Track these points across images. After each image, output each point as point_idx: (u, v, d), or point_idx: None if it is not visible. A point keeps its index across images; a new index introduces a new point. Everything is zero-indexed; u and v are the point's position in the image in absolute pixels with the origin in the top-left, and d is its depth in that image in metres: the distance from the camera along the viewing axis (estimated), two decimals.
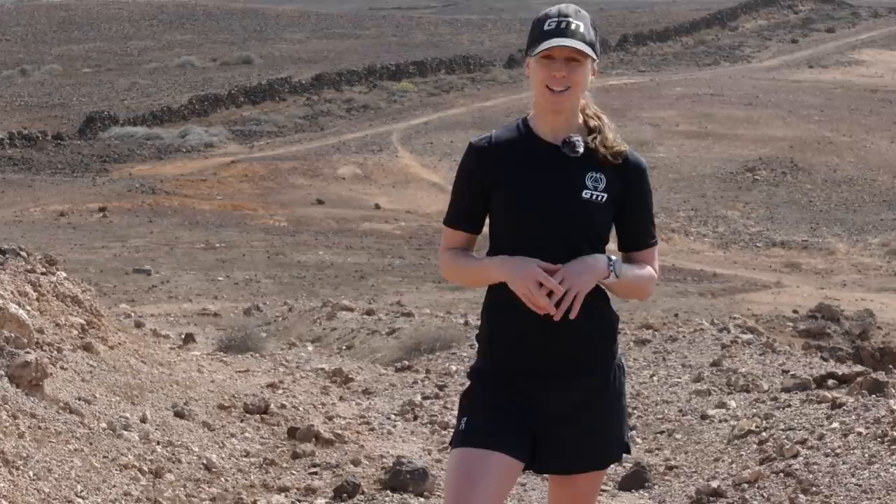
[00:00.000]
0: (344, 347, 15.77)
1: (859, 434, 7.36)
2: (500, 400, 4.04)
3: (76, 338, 8.43)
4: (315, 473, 7.69)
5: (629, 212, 4.07)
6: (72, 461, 6.14)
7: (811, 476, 6.90)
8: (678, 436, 8.98)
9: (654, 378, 11.09)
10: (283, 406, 9.32)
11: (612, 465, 4.25)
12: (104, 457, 6.45)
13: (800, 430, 7.92)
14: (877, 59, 68.98)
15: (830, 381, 9.23)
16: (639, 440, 9.02)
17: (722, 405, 9.40)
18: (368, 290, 25.69)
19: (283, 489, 7.23)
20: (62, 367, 7.68)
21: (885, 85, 60.67)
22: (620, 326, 4.54)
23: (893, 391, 8.31)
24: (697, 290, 27.52)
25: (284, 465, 7.79)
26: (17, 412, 6.31)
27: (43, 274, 8.98)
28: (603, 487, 7.30)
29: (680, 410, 9.68)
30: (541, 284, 3.88)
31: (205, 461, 7.21)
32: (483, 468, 3.95)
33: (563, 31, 3.94)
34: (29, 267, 8.97)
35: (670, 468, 8.17)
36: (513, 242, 3.99)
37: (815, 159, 45.54)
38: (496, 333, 4.06)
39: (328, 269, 28.52)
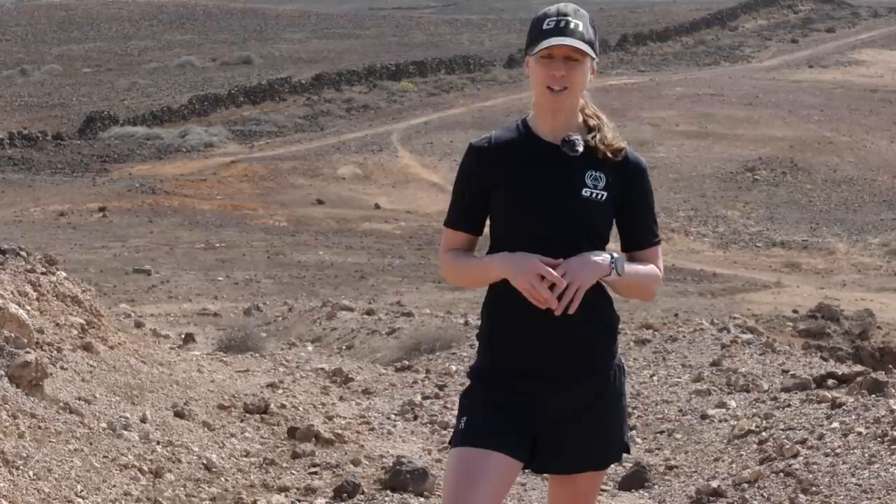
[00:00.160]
0: (344, 347, 15.78)
1: (859, 434, 7.36)
2: (500, 400, 4.04)
3: (76, 338, 8.43)
4: (315, 473, 7.69)
5: (630, 210, 4.06)
6: (72, 461, 6.13)
7: (811, 476, 6.89)
8: (678, 436, 8.98)
9: (654, 378, 11.09)
10: (283, 406, 9.32)
11: (612, 465, 4.24)
12: (104, 457, 6.45)
13: (800, 429, 7.92)
14: (877, 59, 68.98)
15: (830, 381, 9.23)
16: (639, 440, 9.01)
17: (722, 405, 9.40)
18: (368, 290, 25.69)
19: (283, 489, 7.22)
20: (62, 367, 7.68)
21: (885, 85, 60.67)
22: (620, 326, 4.53)
23: (893, 391, 8.30)
24: (697, 290, 27.52)
25: (284, 464, 7.79)
26: (17, 412, 6.31)
27: (43, 274, 8.98)
28: (603, 487, 7.30)
29: (680, 410, 9.68)
30: (543, 278, 3.88)
31: (205, 461, 7.21)
32: (482, 468, 3.95)
33: (561, 30, 3.94)
34: (29, 267, 8.97)
35: (670, 468, 8.17)
36: (513, 242, 3.98)
37: (815, 159, 45.54)
38: (496, 331, 4.06)
39: (328, 269, 28.52)
